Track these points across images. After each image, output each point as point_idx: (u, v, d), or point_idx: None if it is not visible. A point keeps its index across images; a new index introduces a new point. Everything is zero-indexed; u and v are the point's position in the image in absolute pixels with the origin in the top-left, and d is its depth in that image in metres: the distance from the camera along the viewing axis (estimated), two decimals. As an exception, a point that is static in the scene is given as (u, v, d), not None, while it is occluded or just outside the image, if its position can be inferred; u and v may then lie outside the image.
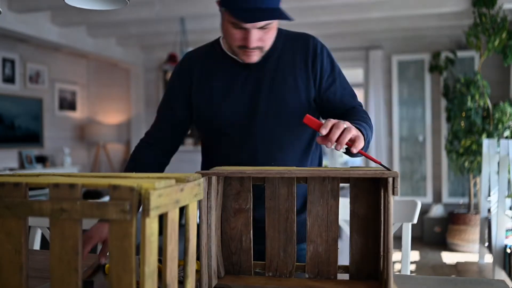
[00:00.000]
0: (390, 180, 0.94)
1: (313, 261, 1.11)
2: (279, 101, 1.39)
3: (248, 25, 1.29)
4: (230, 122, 1.41)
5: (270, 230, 1.15)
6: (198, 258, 1.07)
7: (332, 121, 1.07)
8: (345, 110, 1.40)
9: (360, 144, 1.09)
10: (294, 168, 1.09)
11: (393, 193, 0.93)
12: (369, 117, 1.36)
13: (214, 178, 1.12)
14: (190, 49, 4.94)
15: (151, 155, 1.54)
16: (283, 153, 1.41)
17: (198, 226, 1.08)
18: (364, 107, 1.45)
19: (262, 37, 1.32)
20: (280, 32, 1.44)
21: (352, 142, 1.09)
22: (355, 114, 1.35)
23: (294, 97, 1.39)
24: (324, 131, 1.05)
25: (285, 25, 1.49)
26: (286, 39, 1.44)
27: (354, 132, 1.08)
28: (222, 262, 1.18)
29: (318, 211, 1.10)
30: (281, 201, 1.14)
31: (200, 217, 1.10)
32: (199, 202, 1.06)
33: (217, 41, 1.51)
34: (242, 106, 1.40)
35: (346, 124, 1.07)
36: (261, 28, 1.31)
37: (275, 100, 1.39)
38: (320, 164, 1.54)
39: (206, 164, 1.54)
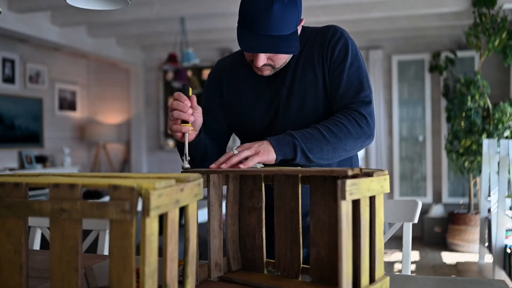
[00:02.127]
0: (339, 183, 0.85)
1: (316, 265, 1.10)
2: (300, 100, 1.40)
3: None
4: (255, 125, 1.46)
5: (278, 230, 1.17)
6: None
7: (225, 156, 1.18)
8: (338, 109, 1.37)
9: (250, 163, 1.17)
10: (299, 168, 1.11)
11: (342, 197, 0.85)
12: (348, 119, 1.31)
13: (214, 176, 1.16)
14: (190, 49, 4.96)
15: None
16: None
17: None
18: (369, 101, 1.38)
19: (271, 58, 1.34)
20: (305, 31, 1.44)
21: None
22: (330, 118, 1.34)
23: (315, 93, 1.40)
24: (214, 166, 1.18)
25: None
26: (309, 36, 1.43)
27: (245, 154, 1.18)
28: (237, 257, 1.22)
29: (319, 214, 1.10)
30: (287, 202, 1.15)
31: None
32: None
33: None
34: (266, 109, 1.45)
35: (239, 149, 1.18)
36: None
37: (296, 99, 1.40)
38: (352, 164, 1.51)
39: None
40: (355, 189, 0.87)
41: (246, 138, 1.51)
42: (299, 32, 1.36)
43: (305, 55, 1.42)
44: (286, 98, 1.42)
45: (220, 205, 1.18)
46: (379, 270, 0.98)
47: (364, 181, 0.90)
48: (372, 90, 1.40)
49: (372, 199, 0.95)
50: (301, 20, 1.35)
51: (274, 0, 1.24)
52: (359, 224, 0.92)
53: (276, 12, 1.24)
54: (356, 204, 0.92)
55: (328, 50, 1.39)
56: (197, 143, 1.39)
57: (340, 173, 0.98)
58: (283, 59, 1.36)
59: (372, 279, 0.96)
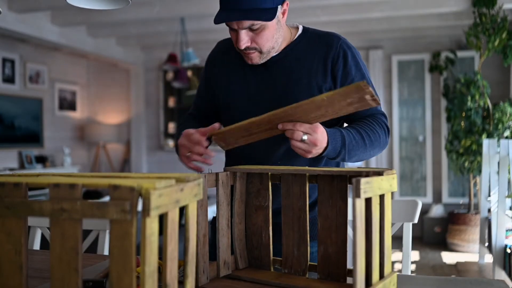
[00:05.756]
0: (354, 181, 0.86)
1: (324, 262, 1.11)
2: (290, 99, 1.37)
3: (234, 25, 1.30)
4: (240, 115, 1.42)
5: (286, 228, 1.18)
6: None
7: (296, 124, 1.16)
8: (364, 116, 1.38)
9: (307, 154, 1.19)
10: (307, 168, 1.13)
11: (357, 195, 0.86)
12: (381, 128, 1.35)
13: (223, 175, 1.18)
14: (190, 49, 4.96)
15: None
16: (293, 154, 1.39)
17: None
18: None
19: (253, 39, 1.32)
20: (306, 31, 1.44)
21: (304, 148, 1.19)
22: (366, 122, 1.35)
23: (306, 97, 1.38)
24: (280, 126, 1.17)
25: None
26: (310, 38, 1.42)
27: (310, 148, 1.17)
28: (244, 255, 1.24)
29: (327, 212, 1.11)
30: (294, 200, 1.16)
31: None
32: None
33: None
34: (253, 100, 1.43)
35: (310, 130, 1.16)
36: (251, 29, 1.31)
37: (286, 98, 1.38)
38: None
39: (228, 159, 1.57)
40: (368, 187, 0.89)
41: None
42: (283, 24, 1.38)
43: (304, 58, 1.40)
44: (276, 96, 1.40)
45: (229, 204, 1.20)
46: (387, 267, 1.00)
47: (375, 180, 0.92)
48: None
49: (381, 197, 0.96)
50: (283, 1, 1.34)
51: None
52: (370, 222, 0.93)
53: None
54: (366, 202, 0.93)
55: (338, 62, 1.38)
56: None
57: (349, 172, 0.99)
58: (267, 41, 1.34)
59: (381, 275, 0.98)
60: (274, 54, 1.41)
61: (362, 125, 1.34)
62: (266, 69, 1.42)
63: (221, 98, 1.50)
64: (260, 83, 1.43)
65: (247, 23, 1.28)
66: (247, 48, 1.33)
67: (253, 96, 1.43)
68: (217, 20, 1.28)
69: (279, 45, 1.39)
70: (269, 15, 1.28)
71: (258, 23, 1.29)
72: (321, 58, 1.39)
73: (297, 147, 1.18)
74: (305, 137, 1.16)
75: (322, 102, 1.08)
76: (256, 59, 1.37)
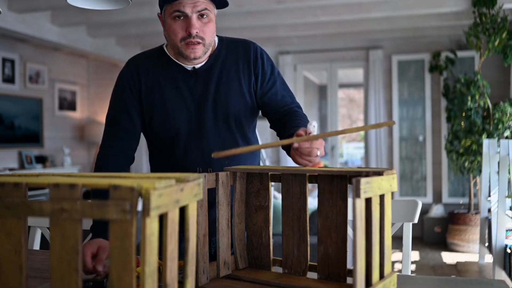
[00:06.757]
0: (354, 181, 0.86)
1: (324, 262, 1.11)
2: (225, 104, 1.48)
3: (187, 9, 1.35)
4: (180, 125, 1.48)
5: (286, 228, 1.18)
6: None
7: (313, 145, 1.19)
8: (286, 110, 1.52)
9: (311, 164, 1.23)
10: (307, 168, 1.14)
11: (357, 195, 0.86)
12: (306, 118, 1.50)
13: (222, 175, 1.18)
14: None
15: (116, 164, 1.54)
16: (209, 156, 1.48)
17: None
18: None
19: (202, 28, 1.39)
20: (222, 39, 1.54)
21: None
22: (299, 117, 1.46)
23: (239, 99, 1.49)
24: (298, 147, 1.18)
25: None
26: (229, 45, 1.53)
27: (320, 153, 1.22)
28: (244, 255, 1.24)
29: (327, 212, 1.11)
30: (294, 200, 1.16)
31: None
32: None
33: (161, 48, 1.55)
34: (191, 109, 1.48)
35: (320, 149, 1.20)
36: (200, 17, 1.38)
37: (221, 103, 1.47)
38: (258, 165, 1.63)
39: (156, 169, 1.60)
40: (368, 187, 0.89)
41: (168, 139, 1.51)
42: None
43: (229, 64, 1.50)
44: (212, 102, 1.47)
45: (229, 204, 1.20)
46: (388, 267, 0.99)
47: (375, 180, 0.92)
48: None
49: (381, 197, 0.96)
50: (221, 6, 1.45)
51: None
52: (370, 222, 0.93)
53: None
54: (366, 202, 0.92)
55: (257, 64, 1.51)
56: None
57: (349, 172, 0.99)
58: (211, 34, 1.42)
59: (381, 275, 0.98)
60: (202, 64, 1.48)
61: (301, 116, 1.47)
62: (197, 78, 1.48)
63: (155, 110, 1.49)
64: (193, 91, 1.48)
65: (202, 6, 1.36)
66: (195, 35, 1.38)
67: (188, 104, 1.48)
68: None
69: (212, 45, 1.48)
70: (220, 5, 1.43)
71: (210, 10, 1.39)
72: (244, 61, 1.50)
73: (311, 161, 1.21)
74: (319, 152, 1.21)
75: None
76: (199, 52, 1.41)
